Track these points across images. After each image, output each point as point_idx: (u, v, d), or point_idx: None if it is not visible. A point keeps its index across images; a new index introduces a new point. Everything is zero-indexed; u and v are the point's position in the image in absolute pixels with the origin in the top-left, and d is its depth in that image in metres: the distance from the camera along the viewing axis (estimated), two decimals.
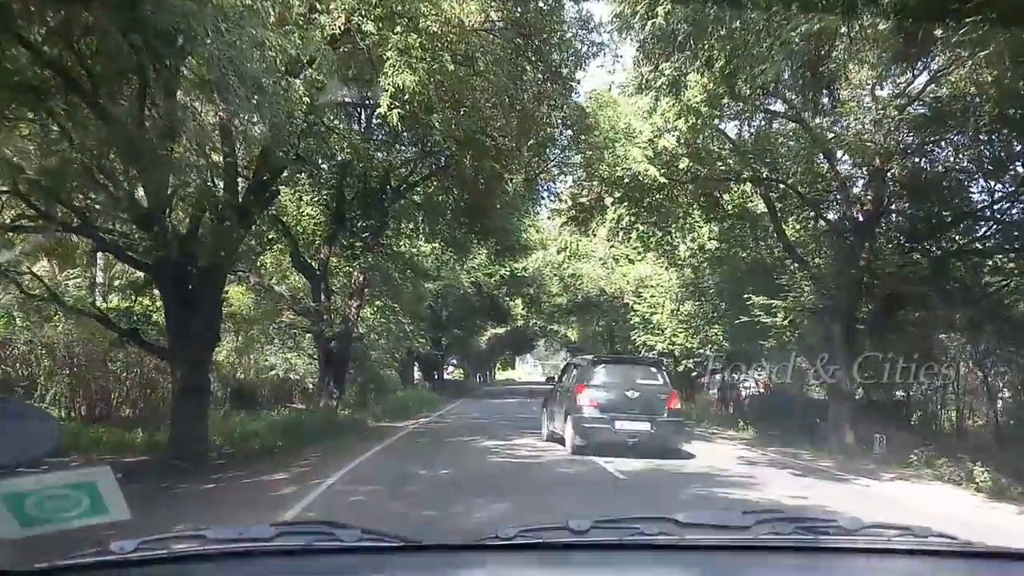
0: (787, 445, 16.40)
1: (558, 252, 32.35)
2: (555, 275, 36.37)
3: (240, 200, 12.76)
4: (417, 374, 43.79)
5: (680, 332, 25.79)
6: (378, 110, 17.97)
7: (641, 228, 21.23)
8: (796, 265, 18.39)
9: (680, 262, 21.85)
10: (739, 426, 20.12)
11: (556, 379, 17.74)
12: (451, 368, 59.83)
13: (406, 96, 9.87)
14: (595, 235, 32.26)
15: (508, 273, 36.10)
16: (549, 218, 20.16)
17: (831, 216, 19.12)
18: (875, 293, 16.73)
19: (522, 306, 49.94)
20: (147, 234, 11.97)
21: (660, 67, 12.92)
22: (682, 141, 15.52)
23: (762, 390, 32.39)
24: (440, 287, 32.50)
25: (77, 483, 1.62)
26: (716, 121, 15.88)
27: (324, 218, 22.09)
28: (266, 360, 30.20)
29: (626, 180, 15.79)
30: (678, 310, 24.25)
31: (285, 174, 18.17)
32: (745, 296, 17.55)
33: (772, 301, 16.68)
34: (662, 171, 15.51)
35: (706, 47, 10.74)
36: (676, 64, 12.46)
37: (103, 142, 10.29)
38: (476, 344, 57.62)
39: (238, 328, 28.77)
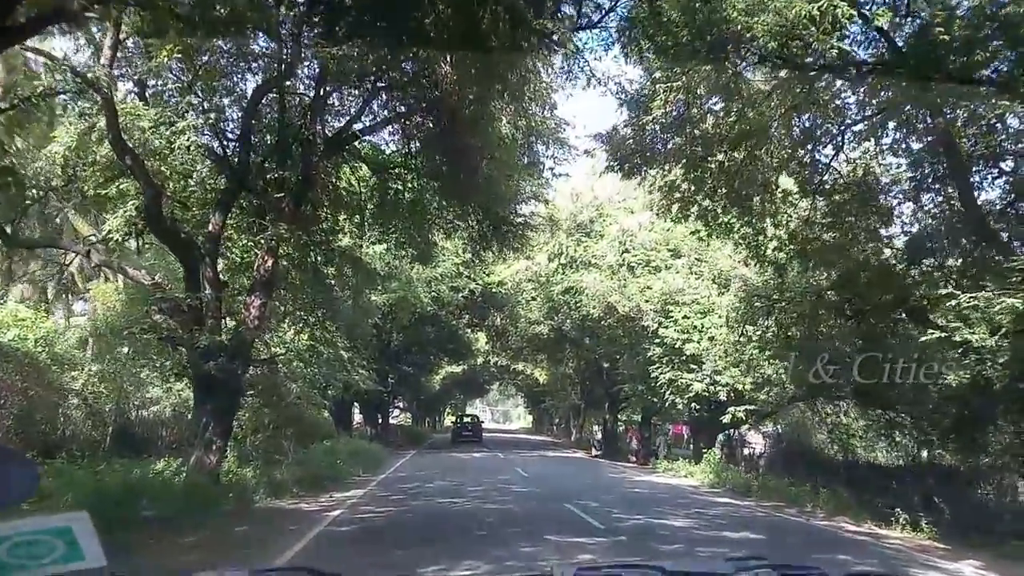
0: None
1: (550, 260, 24.74)
2: (539, 294, 28.50)
3: None
4: (358, 417, 35.32)
5: (729, 368, 18.28)
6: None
7: (705, 203, 13.94)
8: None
9: (765, 258, 14.39)
10: (889, 517, 12.29)
11: (454, 421, 49.57)
12: (397, 411, 51.21)
13: None
14: (603, 236, 24.87)
15: (480, 287, 28.23)
16: (588, 152, 12.52)
17: None
18: None
19: (486, 340, 42.11)
20: None
21: None
22: None
23: (766, 447, 25.53)
24: (390, 301, 24.42)
25: (52, 528, 1.55)
26: None
27: (217, 171, 14.23)
28: (149, 391, 21.96)
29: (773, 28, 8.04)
30: (742, 335, 16.68)
31: None
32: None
33: (1006, 299, 9.18)
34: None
35: None
36: None
37: None
38: (429, 384, 49.24)
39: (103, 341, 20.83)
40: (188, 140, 11.96)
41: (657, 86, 9.80)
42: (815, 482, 16.94)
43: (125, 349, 19.67)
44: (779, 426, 24.75)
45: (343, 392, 26.08)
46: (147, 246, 17.88)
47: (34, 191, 14.78)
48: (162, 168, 12.60)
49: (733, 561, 1.89)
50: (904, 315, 13.60)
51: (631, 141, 11.59)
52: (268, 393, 18.16)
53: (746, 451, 27.26)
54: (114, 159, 12.34)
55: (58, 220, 24.03)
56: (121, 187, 13.30)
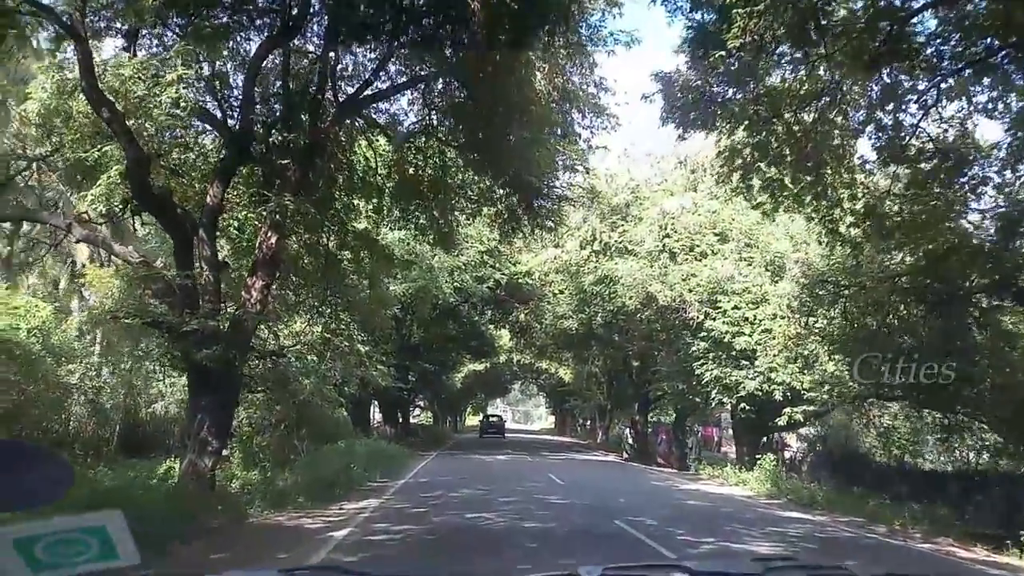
0: None
1: (581, 247, 22.94)
2: (568, 285, 26.68)
3: None
4: (377, 416, 33.79)
5: (787, 364, 16.42)
6: None
7: (771, 171, 12.26)
8: None
9: (839, 236, 12.57)
10: (1004, 540, 10.43)
11: (482, 420, 57.23)
12: (417, 410, 49.74)
13: None
14: (640, 220, 22.96)
15: (505, 278, 26.48)
16: (646, 96, 10.75)
17: None
18: None
19: (509, 337, 40.51)
20: None
21: None
22: None
23: (805, 451, 23.66)
24: (411, 291, 22.77)
25: (87, 527, 1.56)
26: None
27: (218, 139, 12.70)
28: (154, 385, 20.54)
29: None
30: (804, 326, 14.81)
31: None
32: None
33: None
34: None
35: None
36: None
37: None
38: (450, 383, 47.67)
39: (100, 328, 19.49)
40: (176, 93, 10.36)
41: (734, 12, 8.03)
42: (892, 493, 15.09)
43: (128, 339, 18.30)
44: (820, 428, 22.94)
45: (361, 389, 24.54)
46: (146, 225, 16.41)
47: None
48: (147, 127, 10.96)
49: (761, 561, 1.89)
50: (1009, 302, 11.69)
51: (698, 83, 9.81)
52: (278, 388, 16.58)
53: (787, 455, 25.33)
54: (95, 118, 10.81)
55: (60, 203, 22.67)
56: (105, 150, 11.77)
